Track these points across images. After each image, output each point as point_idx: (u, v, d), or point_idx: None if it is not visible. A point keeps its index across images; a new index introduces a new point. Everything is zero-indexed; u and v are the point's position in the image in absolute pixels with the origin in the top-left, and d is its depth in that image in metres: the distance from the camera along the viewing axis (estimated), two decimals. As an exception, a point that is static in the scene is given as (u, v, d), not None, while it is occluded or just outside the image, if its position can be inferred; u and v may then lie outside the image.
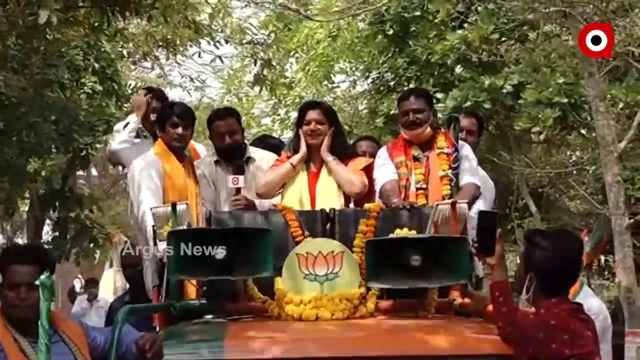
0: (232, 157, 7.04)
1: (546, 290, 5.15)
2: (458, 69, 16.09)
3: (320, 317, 5.53)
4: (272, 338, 5.26)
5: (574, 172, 17.54)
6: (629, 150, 15.35)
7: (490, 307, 5.37)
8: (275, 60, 19.42)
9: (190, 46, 18.56)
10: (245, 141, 7.41)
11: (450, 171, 6.64)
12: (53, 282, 4.83)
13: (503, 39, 15.89)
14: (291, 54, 20.55)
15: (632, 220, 13.51)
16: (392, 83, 16.78)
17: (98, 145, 14.86)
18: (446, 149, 6.71)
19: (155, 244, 5.95)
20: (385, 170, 6.68)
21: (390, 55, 17.03)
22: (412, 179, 6.66)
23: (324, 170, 6.74)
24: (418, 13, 16.56)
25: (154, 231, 5.91)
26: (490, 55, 15.72)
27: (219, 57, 20.99)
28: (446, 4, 15.20)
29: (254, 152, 7.27)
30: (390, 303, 5.71)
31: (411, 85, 15.70)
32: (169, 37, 16.87)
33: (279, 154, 7.16)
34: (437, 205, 5.82)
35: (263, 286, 5.71)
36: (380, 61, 17.22)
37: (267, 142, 7.87)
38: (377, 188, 6.64)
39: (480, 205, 6.52)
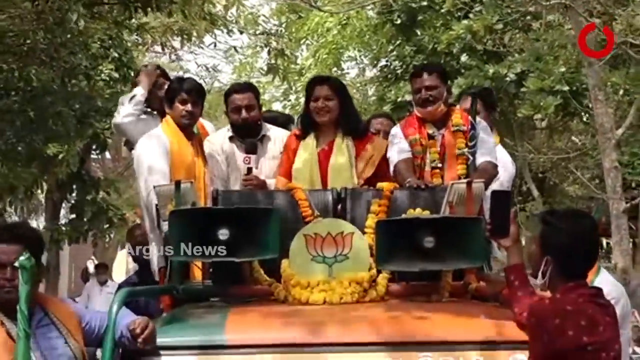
0: (248, 134, 6.42)
1: (563, 274, 4.55)
2: (463, 58, 15.97)
3: (328, 301, 4.95)
4: (277, 322, 4.69)
5: (575, 157, 17.10)
6: (628, 136, 15.30)
7: (506, 292, 4.77)
8: (287, 50, 19.19)
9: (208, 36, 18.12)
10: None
11: (466, 150, 5.99)
12: (34, 264, 4.30)
13: (507, 28, 15.83)
14: (302, 41, 20.16)
15: (628, 205, 13.51)
16: (399, 71, 16.60)
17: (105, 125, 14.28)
18: (462, 126, 6.06)
19: (159, 223, 5.34)
20: (399, 149, 6.04)
21: (398, 43, 16.82)
22: (427, 158, 6.04)
23: (335, 148, 6.11)
24: (425, 3, 16.35)
25: (158, 210, 5.30)
26: (495, 45, 15.72)
27: (234, 47, 20.64)
28: None
29: (269, 130, 6.61)
30: (402, 286, 5.11)
31: None
32: (185, 28, 16.35)
33: (287, 129, 6.64)
34: (452, 184, 5.20)
35: (270, 268, 5.12)
36: (389, 49, 17.06)
37: (274, 118, 7.15)
38: (391, 167, 6.01)
39: (496, 185, 5.90)
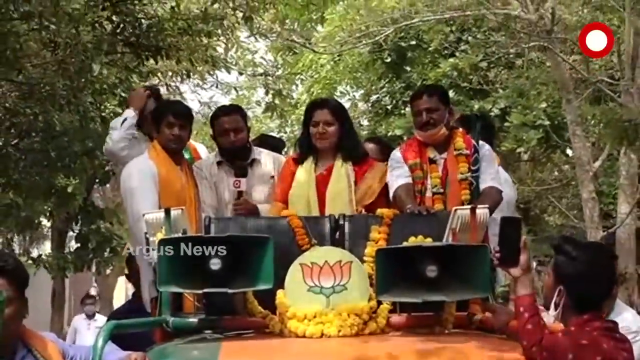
0: (236, 158, 5.78)
1: (577, 305, 3.94)
2: (450, 94, 15.15)
3: (326, 333, 4.26)
4: (272, 356, 4.06)
5: (557, 188, 16.70)
6: (607, 167, 15.27)
7: (514, 323, 4.13)
8: (285, 90, 19.06)
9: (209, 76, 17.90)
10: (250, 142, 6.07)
11: (469, 174, 5.34)
12: (4, 298, 3.68)
13: (491, 66, 15.98)
14: (296, 77, 19.85)
15: (605, 233, 13.28)
16: (389, 106, 16.35)
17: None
18: (465, 150, 5.41)
19: (148, 252, 4.69)
20: (398, 174, 5.38)
21: (388, 80, 16.64)
22: (429, 183, 5.38)
23: (334, 173, 5.48)
24: (414, 42, 16.18)
25: (147, 239, 4.65)
26: (480, 82, 15.75)
27: (235, 88, 20.19)
28: (439, 34, 15.47)
29: (259, 153, 5.95)
30: (403, 318, 4.43)
31: (407, 109, 14.97)
32: (189, 69, 15.94)
33: (279, 153, 5.99)
34: (456, 210, 4.56)
35: (264, 300, 4.45)
36: (379, 86, 16.86)
37: (266, 142, 6.49)
38: (391, 192, 5.36)
39: (502, 209, 5.26)
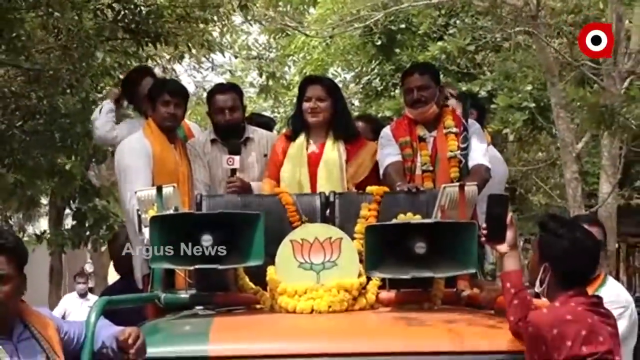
0: (231, 136, 5.64)
1: (562, 282, 3.84)
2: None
3: (316, 309, 4.19)
4: (262, 332, 3.98)
5: (542, 169, 16.64)
6: (591, 147, 15.15)
7: (501, 299, 4.06)
8: (278, 72, 19.21)
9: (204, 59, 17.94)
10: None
11: (459, 152, 5.20)
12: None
13: (479, 49, 15.66)
14: (289, 58, 19.82)
15: (587, 212, 12.91)
16: (380, 88, 16.26)
17: (113, 142, 13.84)
18: (454, 128, 5.27)
19: (140, 229, 4.59)
20: (388, 152, 5.25)
21: (378, 62, 16.51)
22: (418, 161, 5.25)
23: (326, 151, 5.34)
24: (403, 26, 15.97)
25: (139, 216, 4.55)
26: (467, 65, 15.55)
27: (230, 70, 20.17)
28: (428, 18, 15.33)
29: (253, 131, 5.80)
30: (392, 294, 4.34)
31: (397, 91, 14.91)
32: (184, 53, 15.90)
33: (270, 131, 5.84)
34: (445, 187, 4.47)
35: (255, 276, 4.36)
36: (370, 68, 16.73)
37: (257, 121, 6.32)
38: (381, 171, 5.24)
39: (490, 186, 5.15)
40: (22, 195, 13.57)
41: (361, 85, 17.00)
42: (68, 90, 10.39)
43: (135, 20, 9.90)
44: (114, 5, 9.83)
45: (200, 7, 10.56)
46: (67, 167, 12.69)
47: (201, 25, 11.32)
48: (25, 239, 14.90)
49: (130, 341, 3.66)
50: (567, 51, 14.12)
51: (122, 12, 9.84)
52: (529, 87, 14.91)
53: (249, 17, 14.29)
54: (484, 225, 4.00)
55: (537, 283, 3.86)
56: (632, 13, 13.05)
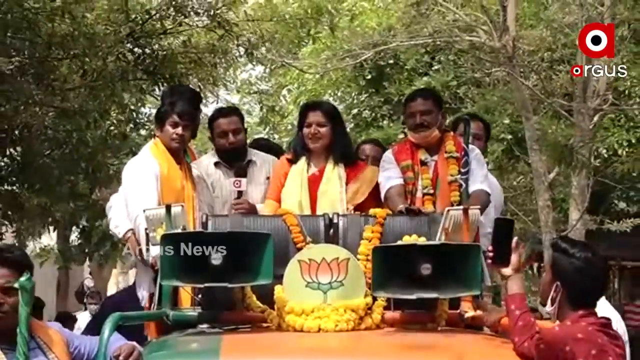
0: (235, 159, 5.41)
1: (574, 302, 3.66)
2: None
3: (323, 328, 3.95)
4: (272, 350, 3.74)
5: (519, 195, 16.50)
6: (563, 176, 14.77)
7: (504, 321, 3.86)
8: (277, 107, 19.80)
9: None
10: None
11: (459, 176, 4.98)
12: (33, 284, 3.42)
13: (461, 84, 15.62)
14: (284, 88, 19.77)
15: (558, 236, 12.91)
16: (369, 119, 16.16)
17: (120, 166, 13.79)
18: (455, 152, 5.05)
19: (147, 248, 4.33)
20: (390, 175, 5.02)
21: (368, 95, 16.45)
22: (419, 184, 5.02)
23: (326, 174, 5.12)
24: (392, 61, 15.95)
25: (147, 234, 4.29)
26: (450, 98, 15.26)
27: (233, 105, 20.25)
28: (414, 55, 15.44)
29: (255, 155, 5.58)
30: (397, 314, 4.11)
31: (385, 122, 14.74)
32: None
33: (276, 156, 5.58)
34: (449, 210, 4.26)
35: (262, 295, 4.13)
36: (360, 100, 16.63)
37: (261, 145, 6.06)
38: (382, 193, 5.02)
39: (489, 211, 4.93)
40: (49, 216, 13.82)
41: (352, 116, 16.85)
42: (92, 125, 10.85)
43: (153, 64, 10.50)
44: (135, 50, 10.55)
45: (210, 52, 11.19)
46: (86, 190, 13.08)
47: (211, 69, 11.93)
48: (35, 252, 15.00)
49: (121, 358, 3.48)
50: (543, 85, 14.09)
51: (142, 57, 10.51)
52: (507, 120, 14.94)
53: (254, 61, 14.63)
54: (489, 247, 3.79)
55: (549, 302, 3.65)
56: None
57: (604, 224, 14.63)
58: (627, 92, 13.52)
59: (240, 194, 5.15)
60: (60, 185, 11.78)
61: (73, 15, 9.43)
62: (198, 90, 10.41)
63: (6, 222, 12.05)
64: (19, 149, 10.74)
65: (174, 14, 10.74)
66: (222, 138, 5.44)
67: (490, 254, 3.79)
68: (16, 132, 10.02)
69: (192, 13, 10.92)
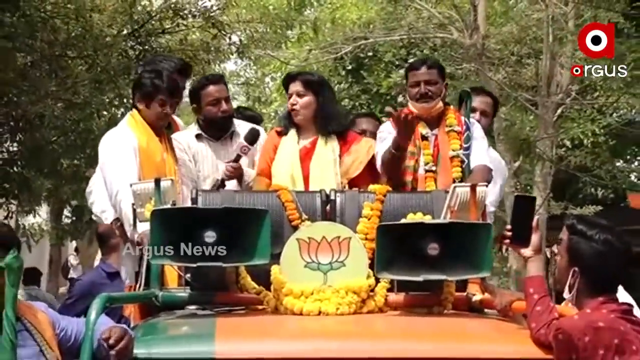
0: (221, 129, 4.85)
1: (593, 287, 3.16)
2: (400, 99, 15.15)
3: (324, 311, 3.43)
4: (270, 334, 3.23)
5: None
6: (527, 166, 14.57)
7: (515, 305, 3.36)
8: (263, 97, 19.89)
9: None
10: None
11: (461, 151, 4.41)
12: (21, 263, 2.87)
13: None
14: (268, 76, 19.64)
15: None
16: (349, 107, 15.72)
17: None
18: (456, 126, 4.48)
19: (135, 225, 3.76)
20: (387, 144, 4.40)
21: (348, 85, 16.25)
22: (421, 160, 4.43)
23: (318, 147, 4.55)
24: (370, 54, 15.64)
25: (134, 210, 3.71)
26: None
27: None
28: (392, 49, 15.16)
29: (238, 125, 4.99)
30: (401, 297, 3.58)
31: (363, 110, 14.44)
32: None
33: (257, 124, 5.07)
34: (455, 187, 3.71)
35: (257, 275, 3.59)
36: (340, 89, 16.17)
37: (244, 114, 5.51)
38: (378, 162, 4.45)
39: (492, 189, 4.37)
40: (56, 197, 14.51)
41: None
42: (96, 115, 11.37)
43: (152, 60, 11.28)
44: (136, 47, 11.40)
45: (205, 49, 12.11)
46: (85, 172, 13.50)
47: (204, 65, 12.48)
48: (32, 230, 15.15)
49: (112, 341, 2.95)
50: (510, 79, 13.76)
51: (143, 53, 11.17)
52: (477, 112, 14.77)
53: (243, 58, 15.09)
54: (509, 227, 3.27)
55: (566, 289, 3.12)
56: (562, 51, 12.82)
57: (567, 209, 14.30)
58: (592, 85, 13.24)
59: (238, 157, 4.59)
60: (65, 168, 12.40)
61: (85, 18, 10.28)
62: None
63: (13, 202, 12.08)
64: (29, 135, 11.20)
65: (172, 15, 11.72)
66: (213, 106, 4.85)
67: (509, 233, 3.27)
68: (29, 121, 10.54)
69: (188, 15, 11.89)
